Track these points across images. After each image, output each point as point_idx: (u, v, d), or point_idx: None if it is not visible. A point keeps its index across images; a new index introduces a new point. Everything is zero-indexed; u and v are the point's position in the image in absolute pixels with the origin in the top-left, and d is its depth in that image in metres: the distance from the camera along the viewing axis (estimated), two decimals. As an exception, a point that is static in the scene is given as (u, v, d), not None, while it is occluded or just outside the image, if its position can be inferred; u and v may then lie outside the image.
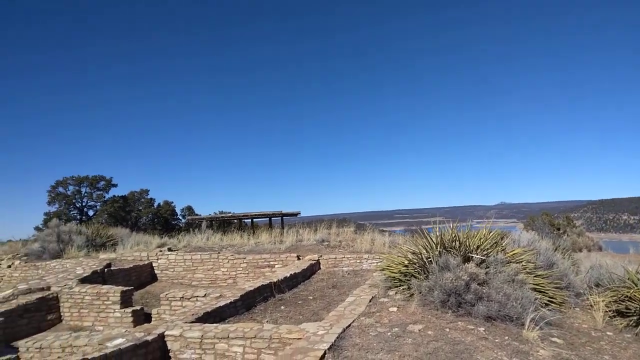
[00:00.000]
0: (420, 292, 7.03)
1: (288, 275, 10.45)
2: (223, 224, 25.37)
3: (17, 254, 16.12)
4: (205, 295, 8.99)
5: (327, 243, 14.27)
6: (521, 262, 7.75)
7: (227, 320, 7.87)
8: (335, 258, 12.52)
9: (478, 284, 6.62)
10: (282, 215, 21.87)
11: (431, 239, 8.02)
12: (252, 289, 9.10)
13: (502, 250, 7.85)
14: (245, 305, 8.66)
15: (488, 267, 7.00)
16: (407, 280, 7.67)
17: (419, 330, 5.87)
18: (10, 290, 10.04)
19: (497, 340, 5.60)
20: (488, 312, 6.27)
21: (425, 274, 7.40)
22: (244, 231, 18.70)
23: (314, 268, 12.09)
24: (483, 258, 7.20)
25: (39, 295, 9.95)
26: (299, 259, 12.65)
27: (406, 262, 8.03)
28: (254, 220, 24.25)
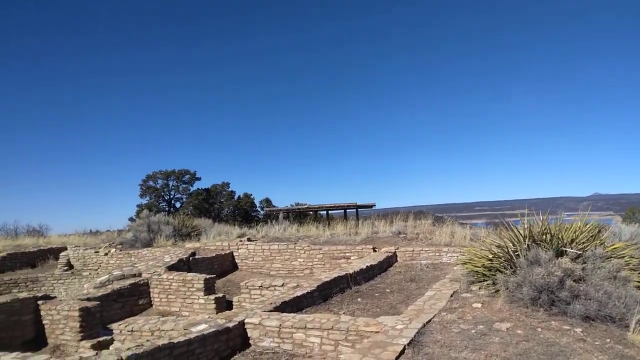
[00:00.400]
0: (507, 288, 6.57)
1: (364, 267, 10.30)
2: (299, 215, 25.77)
3: (113, 243, 17.49)
4: (282, 285, 9.10)
5: (403, 235, 13.92)
6: (623, 257, 6.99)
7: (304, 310, 7.90)
8: (413, 250, 12.17)
9: (574, 281, 6.04)
10: (357, 207, 21.75)
11: (518, 231, 7.47)
12: (328, 279, 9.07)
13: (601, 244, 7.13)
14: (322, 296, 8.65)
15: (585, 263, 6.38)
16: (492, 275, 7.21)
17: (507, 328, 5.47)
18: (107, 276, 10.86)
19: (597, 343, 5.07)
20: (586, 311, 5.70)
21: (512, 268, 6.91)
22: (319, 222, 18.82)
23: (390, 260, 11.83)
24: (579, 252, 6.58)
25: (132, 281, 10.67)
26: (374, 250, 12.46)
27: (490, 256, 7.56)
28: (329, 212, 24.36)
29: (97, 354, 5.36)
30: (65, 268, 15.91)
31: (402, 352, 4.87)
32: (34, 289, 14.15)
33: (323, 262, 12.82)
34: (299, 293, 8.21)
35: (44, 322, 8.32)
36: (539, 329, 5.45)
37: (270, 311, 7.19)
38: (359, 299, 8.78)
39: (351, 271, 9.80)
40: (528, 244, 6.98)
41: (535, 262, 6.46)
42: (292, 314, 6.99)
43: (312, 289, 8.48)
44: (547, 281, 6.04)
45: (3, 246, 18.85)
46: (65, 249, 17.62)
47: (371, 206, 22.19)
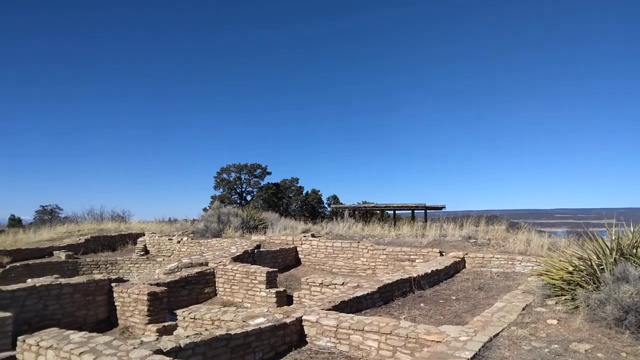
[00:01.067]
0: (588, 305, 5.94)
1: (429, 271, 9.87)
2: (365, 214, 25.50)
3: (186, 231, 18.27)
4: (343, 284, 8.94)
5: (473, 240, 13.22)
6: None
7: (363, 312, 7.69)
8: (483, 257, 11.50)
9: (669, 303, 5.33)
10: (426, 208, 21.10)
11: (605, 243, 6.75)
12: (390, 281, 8.78)
13: None
14: (383, 298, 8.38)
15: (684, 284, 5.61)
16: (571, 289, 6.57)
17: (586, 350, 4.92)
18: (176, 263, 11.31)
19: (696, 378, 4.41)
20: (683, 339, 5.00)
21: (595, 283, 6.25)
22: (385, 222, 18.46)
23: (458, 266, 11.27)
24: (678, 271, 5.79)
25: (199, 269, 11.02)
26: (441, 254, 11.94)
27: (570, 268, 6.89)
28: (396, 211, 23.84)
29: (157, 338, 5.52)
30: (142, 253, 16.88)
31: (464, 366, 4.53)
32: (112, 271, 15.14)
33: (386, 263, 12.50)
34: (359, 293, 8.01)
35: (115, 303, 8.79)
36: (624, 354, 4.85)
37: (329, 310, 7.06)
38: (421, 304, 8.41)
39: (415, 275, 9.43)
40: (615, 258, 6.28)
41: (623, 278, 5.79)
42: (350, 315, 6.81)
43: (372, 290, 8.24)
44: (636, 301, 5.38)
45: (88, 229, 20.42)
46: (143, 234, 18.72)
47: (440, 208, 21.43)
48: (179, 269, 11.02)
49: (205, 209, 36.97)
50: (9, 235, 19.98)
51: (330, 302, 7.48)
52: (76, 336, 5.28)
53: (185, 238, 16.62)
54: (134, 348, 4.85)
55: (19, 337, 5.49)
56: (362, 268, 12.91)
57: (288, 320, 6.60)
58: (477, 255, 11.62)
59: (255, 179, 41.76)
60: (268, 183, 41.88)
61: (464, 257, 11.65)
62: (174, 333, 7.64)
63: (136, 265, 15.68)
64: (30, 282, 8.46)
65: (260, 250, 13.30)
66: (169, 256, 16.29)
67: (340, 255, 13.48)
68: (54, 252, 15.95)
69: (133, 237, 18.87)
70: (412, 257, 12.12)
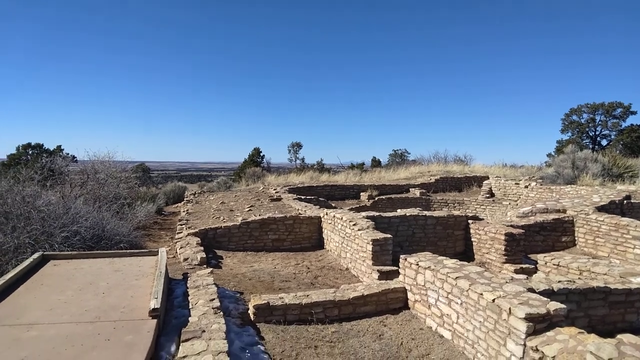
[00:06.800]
0: None
1: None
2: None
3: (533, 177, 17.30)
4: None
5: None
6: None
7: None
8: None
9: None
10: None
11: None
12: None
13: None
14: None
15: None
16: None
17: None
18: (529, 207, 10.85)
19: None
20: None
21: None
22: None
23: None
24: None
25: (555, 216, 10.25)
26: None
27: None
28: None
29: (527, 278, 5.42)
30: (487, 195, 17.06)
31: None
32: (460, 210, 15.94)
33: None
34: None
35: (472, 239, 9.17)
36: None
37: None
38: None
39: None
40: None
41: None
42: None
43: None
44: None
45: (436, 170, 22.09)
46: (487, 178, 18.84)
47: None
48: (533, 214, 10.53)
49: (550, 155, 34.13)
50: (374, 173, 23.77)
51: None
52: (449, 262, 5.75)
53: (533, 183, 15.74)
54: (506, 282, 4.88)
55: (401, 256, 6.41)
56: None
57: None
58: None
59: (615, 120, 35.27)
60: (631, 125, 34.70)
61: None
62: (534, 277, 7.41)
63: (482, 207, 16.00)
64: (400, 211, 9.77)
65: (631, 202, 11.23)
66: (516, 200, 15.87)
67: None
68: (410, 189, 18.03)
69: (477, 180, 19.27)
70: None
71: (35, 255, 5.88)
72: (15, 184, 8.78)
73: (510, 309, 4.23)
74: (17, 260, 6.60)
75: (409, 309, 6.12)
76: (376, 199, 16.46)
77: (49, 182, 10.73)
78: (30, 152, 27.71)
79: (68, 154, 22.29)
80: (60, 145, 27.37)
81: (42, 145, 28.30)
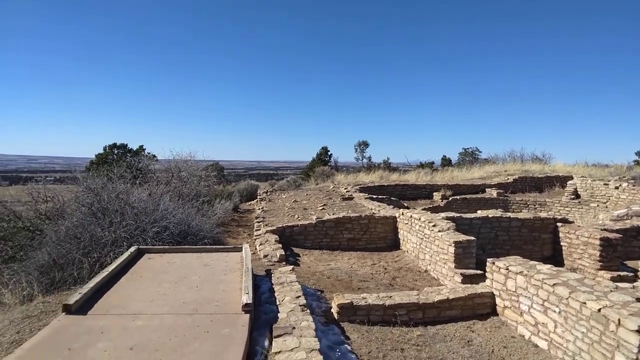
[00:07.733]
0: None
1: None
2: None
3: (624, 177, 15.99)
4: None
5: None
6: None
7: None
8: None
9: None
10: None
11: None
12: None
13: None
14: None
15: None
16: None
17: None
18: (624, 210, 10.04)
19: None
20: None
21: None
22: None
23: None
24: None
25: (655, 220, 9.39)
26: None
27: None
28: None
29: (634, 286, 4.99)
30: (572, 197, 16.00)
31: None
32: (542, 211, 15.05)
33: None
34: None
35: (561, 243, 8.62)
36: None
37: None
38: None
39: None
40: None
41: None
42: None
43: None
44: None
45: (514, 170, 21.05)
46: (571, 178, 17.67)
47: None
48: (629, 217, 9.73)
49: (637, 153, 31.52)
50: (446, 173, 23.08)
51: None
52: (543, 267, 5.43)
53: (624, 184, 14.54)
54: (611, 291, 4.52)
55: (488, 260, 6.14)
56: None
57: None
58: None
59: None
60: None
61: None
62: (633, 285, 6.82)
63: (566, 209, 15.01)
64: (480, 213, 9.39)
65: None
66: (605, 202, 14.73)
67: None
68: (486, 189, 17.31)
69: (560, 180, 18.13)
70: None
71: (132, 249, 6.26)
72: (108, 181, 9.42)
73: (619, 319, 3.92)
74: (115, 253, 7.05)
75: (497, 315, 5.86)
76: (450, 199, 15.97)
77: (138, 180, 11.42)
78: (115, 152, 29.69)
79: (149, 153, 23.61)
80: (142, 145, 29.09)
81: (126, 145, 30.21)
